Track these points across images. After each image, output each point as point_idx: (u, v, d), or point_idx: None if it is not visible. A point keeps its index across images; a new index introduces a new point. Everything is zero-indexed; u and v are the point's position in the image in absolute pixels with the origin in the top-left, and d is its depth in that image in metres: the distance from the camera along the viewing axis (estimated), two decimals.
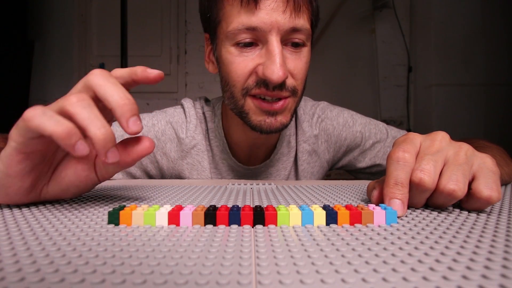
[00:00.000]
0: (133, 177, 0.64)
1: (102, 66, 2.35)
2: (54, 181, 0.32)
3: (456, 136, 0.39)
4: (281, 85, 0.51)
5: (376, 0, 2.35)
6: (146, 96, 2.41)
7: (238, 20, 0.50)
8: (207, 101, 0.69)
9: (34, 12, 2.34)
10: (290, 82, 0.52)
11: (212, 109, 0.66)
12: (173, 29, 2.41)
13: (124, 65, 1.87)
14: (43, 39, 2.37)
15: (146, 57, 2.37)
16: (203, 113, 0.67)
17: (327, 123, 0.69)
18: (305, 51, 0.54)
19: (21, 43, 2.26)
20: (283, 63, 0.49)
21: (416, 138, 0.32)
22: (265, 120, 0.53)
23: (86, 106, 0.27)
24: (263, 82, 0.50)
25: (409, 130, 1.47)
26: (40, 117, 0.26)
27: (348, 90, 2.43)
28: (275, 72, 0.48)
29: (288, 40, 0.51)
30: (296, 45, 0.52)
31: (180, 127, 0.64)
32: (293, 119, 0.69)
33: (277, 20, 0.48)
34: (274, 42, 0.49)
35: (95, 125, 0.27)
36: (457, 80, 2.14)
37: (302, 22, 0.50)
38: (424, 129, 2.09)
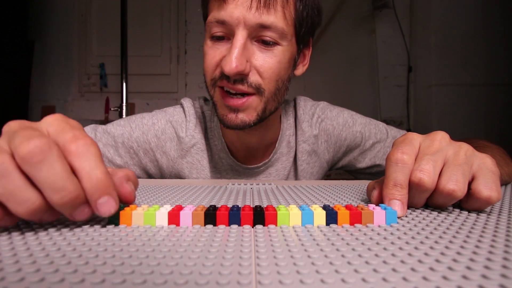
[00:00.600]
0: None
1: (102, 66, 2.35)
2: None
3: (456, 136, 0.39)
4: (242, 80, 0.51)
5: (376, 0, 2.35)
6: (146, 96, 2.41)
7: (212, 13, 0.52)
8: (206, 100, 0.70)
9: (34, 12, 2.34)
10: (254, 78, 0.52)
11: (211, 109, 0.67)
12: (173, 29, 2.41)
13: (124, 65, 1.86)
14: (43, 39, 2.37)
15: (146, 57, 2.37)
16: (202, 112, 0.67)
17: (327, 123, 0.69)
18: (278, 50, 0.53)
19: (21, 43, 2.25)
20: (239, 56, 0.49)
21: (416, 139, 0.32)
22: (227, 115, 0.54)
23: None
24: (225, 74, 0.51)
25: (409, 130, 1.47)
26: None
27: (348, 90, 2.42)
28: (228, 64, 0.49)
29: (258, 37, 0.51)
30: (266, 43, 0.52)
31: (180, 126, 0.65)
32: (293, 119, 0.69)
33: (244, 15, 0.49)
34: (239, 36, 0.50)
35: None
36: (457, 80, 2.13)
37: (272, 19, 0.50)
38: (424, 129, 2.09)
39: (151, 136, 0.63)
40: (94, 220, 0.27)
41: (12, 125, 0.24)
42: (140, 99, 2.38)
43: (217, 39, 0.53)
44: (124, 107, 1.86)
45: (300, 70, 0.62)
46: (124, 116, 1.84)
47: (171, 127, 0.65)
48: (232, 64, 0.49)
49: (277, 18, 0.50)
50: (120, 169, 0.29)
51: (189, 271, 0.16)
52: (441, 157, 0.30)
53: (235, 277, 0.16)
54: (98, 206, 0.23)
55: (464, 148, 0.31)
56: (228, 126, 0.55)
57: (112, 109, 2.03)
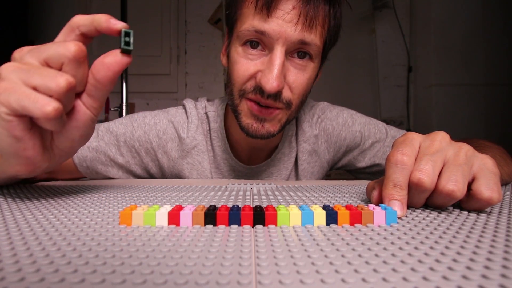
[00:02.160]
0: (134, 174, 0.65)
1: None
2: (56, 133, 0.32)
3: (456, 136, 0.39)
4: (276, 96, 0.51)
5: (376, 0, 2.35)
6: (146, 96, 2.41)
7: (250, 22, 0.51)
8: (209, 100, 0.70)
9: (34, 12, 2.34)
10: (286, 94, 0.52)
11: (215, 110, 0.67)
12: (173, 29, 2.41)
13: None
14: (43, 39, 2.36)
15: (146, 57, 2.37)
16: (205, 113, 0.67)
17: (327, 123, 0.69)
18: (310, 67, 0.53)
19: (21, 43, 2.25)
20: (279, 75, 0.49)
21: (416, 139, 0.32)
22: (253, 124, 0.54)
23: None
24: (260, 89, 0.51)
25: (409, 130, 1.47)
26: (18, 96, 0.26)
27: (348, 90, 2.43)
28: (270, 82, 0.49)
29: (295, 50, 0.51)
30: (303, 56, 0.52)
31: (181, 127, 0.65)
32: (294, 120, 0.69)
33: (286, 31, 0.49)
34: (278, 52, 0.49)
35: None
36: (457, 80, 2.14)
37: (312, 37, 0.50)
38: (424, 129, 2.09)
39: (153, 136, 0.63)
40: (94, 220, 0.27)
41: (25, 49, 0.29)
42: (140, 99, 2.38)
43: (251, 46, 0.52)
44: (124, 107, 1.86)
45: (314, 82, 0.62)
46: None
47: (173, 127, 0.65)
48: (273, 83, 0.49)
49: (316, 37, 0.51)
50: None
51: (189, 271, 0.16)
52: (440, 157, 0.30)
53: (235, 277, 0.16)
54: (112, 24, 0.33)
55: (465, 148, 0.31)
56: (252, 136, 0.55)
57: (112, 109, 2.03)
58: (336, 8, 0.54)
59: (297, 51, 0.52)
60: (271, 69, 0.49)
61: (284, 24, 0.49)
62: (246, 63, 0.52)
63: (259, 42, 0.51)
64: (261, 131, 0.54)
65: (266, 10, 0.49)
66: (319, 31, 0.51)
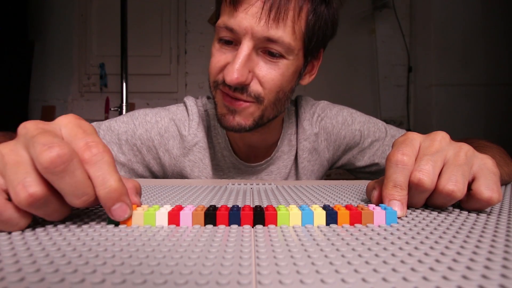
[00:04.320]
0: (136, 173, 0.65)
1: (102, 66, 2.35)
2: None
3: (456, 136, 0.39)
4: (242, 89, 0.52)
5: (376, 0, 2.35)
6: (146, 96, 2.41)
7: (222, 18, 0.52)
8: (209, 98, 0.70)
9: (34, 12, 2.34)
10: (255, 88, 0.52)
11: (215, 107, 0.67)
12: (173, 29, 2.41)
13: (124, 65, 1.86)
14: (43, 39, 2.37)
15: (146, 57, 2.37)
16: (206, 110, 0.68)
17: (327, 121, 0.69)
18: (283, 63, 0.52)
19: (21, 43, 2.25)
20: (241, 68, 0.49)
21: (416, 139, 0.32)
22: (225, 115, 0.55)
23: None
24: None
25: (409, 130, 1.47)
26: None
27: (348, 90, 2.42)
28: (230, 74, 0.50)
29: (265, 48, 0.51)
30: (272, 55, 0.51)
31: (182, 125, 0.65)
32: (294, 118, 0.69)
33: (252, 26, 0.49)
34: (244, 46, 0.50)
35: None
36: (457, 80, 2.13)
37: (280, 34, 0.49)
38: (424, 129, 2.09)
39: (154, 134, 0.64)
40: (94, 220, 0.27)
41: (28, 127, 0.24)
42: (140, 99, 2.38)
43: (225, 42, 0.53)
44: (124, 107, 1.86)
45: (306, 80, 0.62)
46: None
47: (174, 125, 0.65)
48: (233, 75, 0.49)
49: (285, 33, 0.50)
50: (128, 179, 0.29)
51: (189, 271, 0.16)
52: (441, 157, 0.30)
53: (235, 277, 0.16)
54: (112, 212, 0.24)
55: (465, 148, 0.31)
56: (224, 127, 0.56)
57: (112, 109, 2.03)
58: (317, 3, 0.52)
59: (266, 50, 0.51)
60: (234, 61, 0.50)
61: (248, 18, 0.49)
62: (218, 56, 0.54)
63: (232, 40, 0.52)
64: (232, 123, 0.55)
65: (233, 4, 0.50)
66: (289, 27, 0.50)
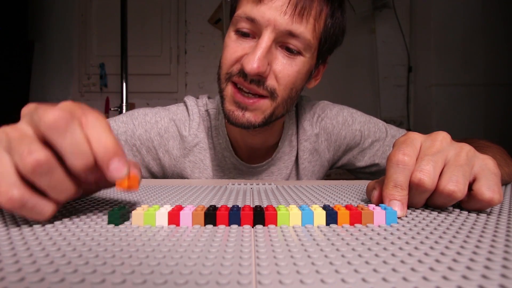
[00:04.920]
0: None
1: (102, 66, 2.35)
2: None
3: (456, 136, 0.39)
4: (259, 81, 0.51)
5: (376, 0, 2.35)
6: (146, 96, 2.41)
7: (243, 8, 0.51)
8: (210, 98, 0.70)
9: (34, 12, 2.34)
10: (270, 82, 0.52)
11: (216, 106, 0.66)
12: (173, 29, 2.41)
13: (124, 65, 1.86)
14: (43, 39, 2.37)
15: (146, 57, 2.37)
16: (206, 110, 0.67)
17: (327, 122, 0.69)
18: (300, 60, 0.52)
19: (21, 43, 2.25)
20: (262, 58, 0.49)
21: (417, 139, 0.32)
22: (234, 111, 0.54)
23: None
24: (243, 73, 0.51)
25: (409, 130, 1.47)
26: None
27: (348, 90, 2.43)
28: (250, 63, 0.48)
29: (284, 43, 0.51)
30: (290, 51, 0.51)
31: (183, 125, 0.65)
32: (295, 118, 0.69)
33: (276, 18, 0.49)
34: (265, 37, 0.49)
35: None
36: (457, 80, 2.13)
37: (302, 29, 0.50)
38: (424, 129, 2.09)
39: (154, 134, 0.63)
40: (94, 220, 0.27)
41: (30, 106, 0.26)
42: (140, 99, 2.38)
43: (242, 34, 0.52)
44: (124, 107, 1.86)
45: (312, 83, 0.62)
46: None
47: (174, 125, 0.64)
48: (254, 64, 0.48)
49: (306, 29, 0.50)
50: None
51: (189, 271, 0.16)
52: (441, 157, 0.30)
53: (235, 277, 0.16)
54: (111, 172, 0.24)
55: (466, 149, 0.30)
56: (233, 123, 0.55)
57: (112, 109, 2.03)
58: (335, 8, 0.54)
59: (285, 45, 0.51)
60: (255, 51, 0.49)
61: (274, 10, 0.49)
62: (234, 47, 0.53)
63: (250, 32, 0.52)
64: (241, 120, 0.53)
65: None
66: (311, 24, 0.51)
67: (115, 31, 1.94)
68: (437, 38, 2.15)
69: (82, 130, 0.24)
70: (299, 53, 0.52)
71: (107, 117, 2.18)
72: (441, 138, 0.32)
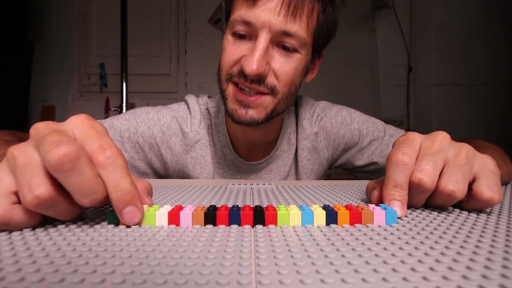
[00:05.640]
0: (138, 170, 0.65)
1: (102, 66, 2.35)
2: None
3: (456, 136, 0.39)
4: (260, 80, 0.53)
5: (376, 0, 2.35)
6: (146, 96, 2.41)
7: (238, 12, 0.53)
8: (210, 97, 0.71)
9: (34, 12, 2.34)
10: (270, 80, 0.54)
11: (216, 105, 0.68)
12: (173, 29, 2.41)
13: (124, 65, 1.86)
14: (43, 39, 2.37)
15: (146, 57, 2.37)
16: (207, 108, 0.68)
17: (326, 121, 0.70)
18: (297, 57, 0.54)
19: (21, 43, 2.25)
20: (260, 59, 0.51)
21: (416, 139, 0.32)
22: (237, 110, 0.56)
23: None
24: (243, 73, 0.52)
25: (409, 130, 1.47)
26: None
27: (348, 90, 2.43)
28: (250, 65, 0.50)
29: (280, 42, 0.53)
30: (286, 49, 0.53)
31: (184, 122, 0.66)
32: (294, 117, 0.70)
33: (270, 20, 0.50)
34: (262, 39, 0.51)
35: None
36: (457, 80, 2.13)
37: (296, 28, 0.51)
38: (424, 129, 2.09)
39: (157, 131, 0.64)
40: (94, 220, 0.27)
41: (39, 128, 0.24)
42: (140, 99, 2.38)
43: (239, 36, 0.54)
44: (124, 107, 1.86)
45: (309, 77, 0.64)
46: None
47: (176, 122, 0.65)
48: (253, 66, 0.50)
49: (300, 28, 0.52)
50: (139, 179, 0.29)
51: (189, 271, 0.16)
52: (441, 157, 0.30)
53: (235, 277, 0.16)
54: (123, 215, 0.24)
55: (465, 149, 0.31)
56: (236, 121, 0.56)
57: (112, 109, 2.03)
58: (326, 4, 0.55)
59: (281, 43, 0.53)
60: (253, 53, 0.51)
61: (268, 12, 0.50)
62: (233, 49, 0.54)
63: (246, 34, 0.53)
64: (245, 117, 0.55)
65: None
66: (304, 22, 0.52)
67: (115, 31, 1.94)
68: (437, 38, 2.15)
69: (90, 167, 0.23)
70: (295, 50, 0.54)
71: (107, 117, 2.19)
72: (441, 138, 0.32)
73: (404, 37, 2.39)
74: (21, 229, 0.23)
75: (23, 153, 0.23)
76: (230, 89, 0.56)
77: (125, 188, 0.24)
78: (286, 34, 0.51)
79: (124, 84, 1.87)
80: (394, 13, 2.35)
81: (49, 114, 2.36)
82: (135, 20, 2.21)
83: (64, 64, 2.40)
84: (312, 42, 0.56)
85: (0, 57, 2.07)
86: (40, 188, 0.22)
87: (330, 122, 0.70)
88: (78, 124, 0.25)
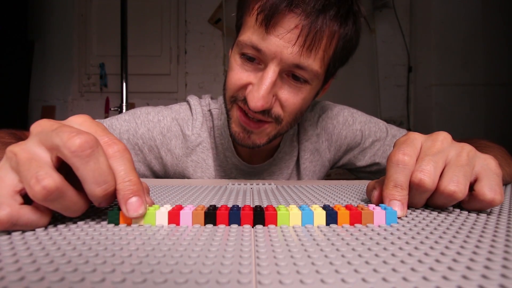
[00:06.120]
0: (137, 172, 0.64)
1: (102, 66, 2.35)
2: None
3: (456, 136, 0.39)
4: (264, 111, 0.51)
5: (376, 0, 2.35)
6: (146, 96, 2.41)
7: (249, 36, 0.49)
8: (213, 98, 0.70)
9: (34, 12, 2.34)
10: (276, 110, 0.52)
11: (219, 107, 0.67)
12: (173, 29, 2.41)
13: (124, 65, 1.86)
14: (43, 39, 2.37)
15: (146, 57, 2.37)
16: (209, 110, 0.67)
17: (327, 122, 0.69)
18: (307, 88, 0.51)
19: (21, 43, 2.25)
20: (266, 95, 0.48)
21: (417, 139, 0.32)
22: (240, 133, 0.55)
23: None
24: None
25: (409, 130, 1.47)
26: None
27: (348, 90, 2.42)
28: (254, 101, 0.48)
29: (290, 71, 0.49)
30: (297, 79, 0.50)
31: (186, 124, 0.65)
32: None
33: (282, 52, 0.47)
34: (271, 71, 0.48)
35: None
36: (457, 80, 2.13)
37: (310, 62, 0.48)
38: (424, 129, 2.09)
39: (157, 133, 0.63)
40: (94, 219, 0.27)
41: (43, 125, 0.25)
42: (140, 99, 2.38)
43: (248, 58, 0.50)
44: (124, 107, 1.86)
45: (320, 95, 0.61)
46: None
47: (177, 124, 0.64)
48: (258, 102, 0.48)
49: (314, 61, 0.48)
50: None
51: (189, 270, 0.16)
52: (442, 158, 0.30)
53: (235, 276, 0.16)
54: (128, 205, 0.25)
55: (467, 149, 0.30)
56: (238, 143, 0.56)
57: (112, 109, 2.03)
58: (349, 27, 0.50)
59: (292, 73, 0.50)
60: (259, 87, 0.48)
61: (281, 43, 0.46)
62: (240, 72, 0.51)
63: (255, 58, 0.50)
64: (247, 141, 0.55)
65: (265, 26, 0.46)
66: (319, 56, 0.48)
67: (115, 31, 1.94)
68: (437, 38, 2.15)
69: (106, 158, 0.24)
70: (305, 81, 0.50)
71: (107, 117, 2.19)
72: (442, 138, 0.32)
73: (404, 37, 2.39)
74: (33, 229, 0.23)
75: (24, 149, 0.23)
76: (234, 112, 0.54)
77: (133, 179, 0.25)
78: (298, 67, 0.48)
79: (124, 84, 1.87)
80: (394, 13, 2.35)
81: (49, 114, 2.36)
82: (135, 20, 2.21)
83: (64, 64, 2.40)
84: (325, 70, 0.52)
85: (0, 57, 2.07)
86: (47, 179, 0.22)
87: (332, 123, 0.69)
88: (81, 122, 0.26)
